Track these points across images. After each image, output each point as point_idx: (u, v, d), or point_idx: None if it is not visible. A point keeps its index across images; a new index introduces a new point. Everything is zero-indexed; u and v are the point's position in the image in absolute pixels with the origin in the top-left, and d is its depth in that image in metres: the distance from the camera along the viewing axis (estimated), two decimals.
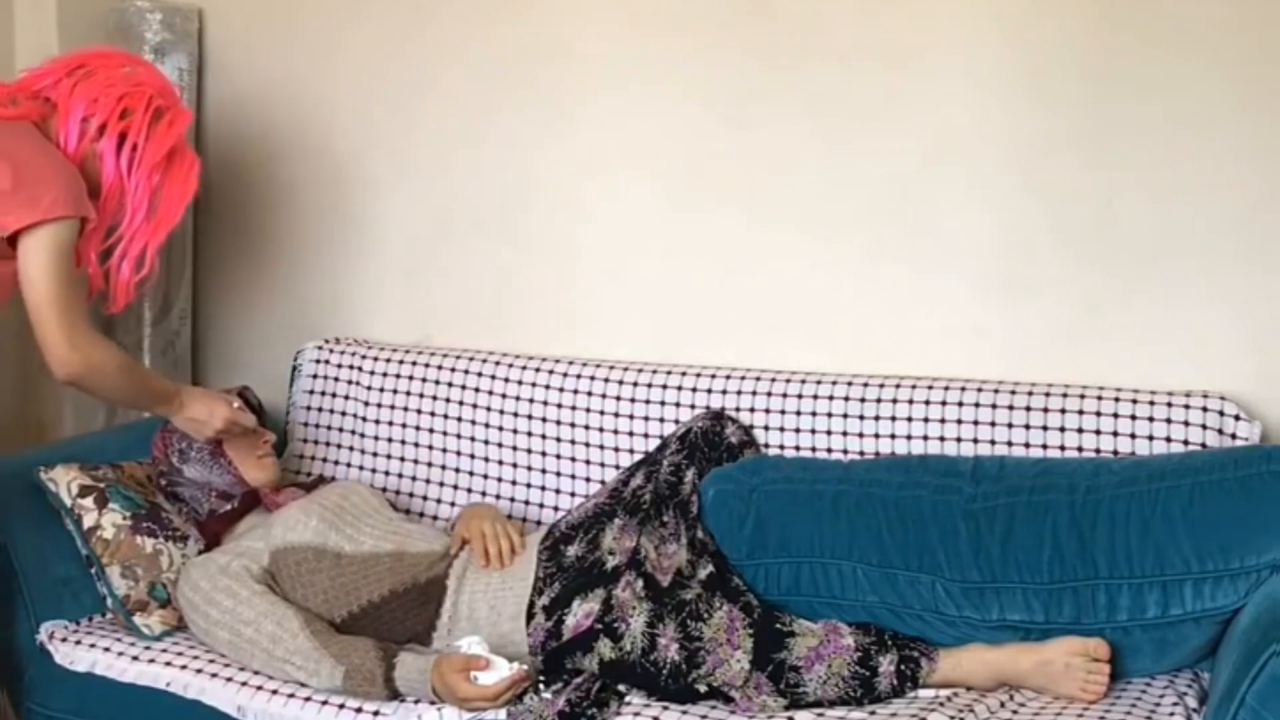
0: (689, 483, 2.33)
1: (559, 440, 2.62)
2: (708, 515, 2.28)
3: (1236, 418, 2.20)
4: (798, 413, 2.45)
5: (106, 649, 2.28)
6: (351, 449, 2.80)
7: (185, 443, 2.43)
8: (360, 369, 2.83)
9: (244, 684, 2.15)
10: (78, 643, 2.31)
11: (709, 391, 2.52)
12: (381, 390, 2.79)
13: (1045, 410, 2.29)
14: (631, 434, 2.55)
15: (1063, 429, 2.27)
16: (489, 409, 2.68)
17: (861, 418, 2.40)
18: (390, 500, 2.55)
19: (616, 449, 2.57)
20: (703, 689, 2.03)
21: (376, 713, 2.06)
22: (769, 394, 2.48)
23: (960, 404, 2.34)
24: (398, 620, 2.22)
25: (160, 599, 2.34)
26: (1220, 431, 2.19)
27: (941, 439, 2.34)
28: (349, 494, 2.42)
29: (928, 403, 2.37)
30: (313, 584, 2.25)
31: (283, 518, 2.33)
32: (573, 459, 2.60)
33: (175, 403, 2.34)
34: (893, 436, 2.38)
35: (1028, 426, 2.29)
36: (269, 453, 2.47)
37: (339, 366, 2.85)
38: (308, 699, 2.10)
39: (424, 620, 2.22)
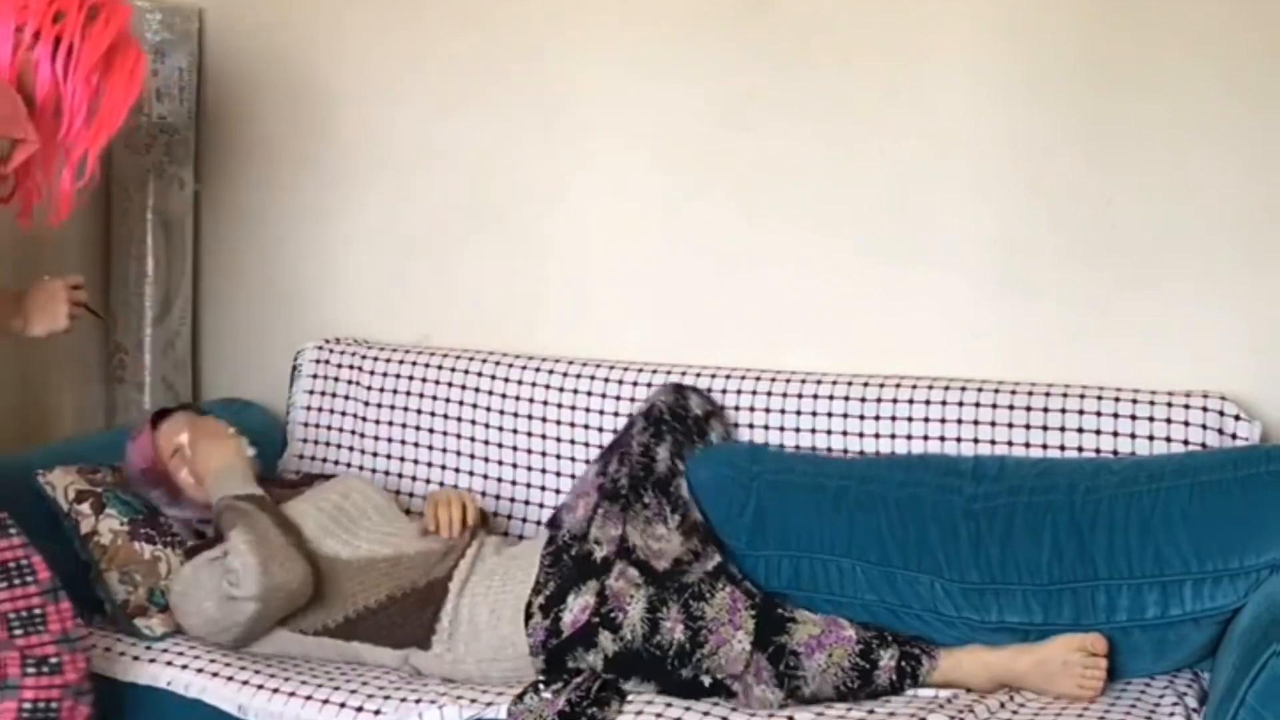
0: (663, 460, 2.32)
1: (559, 440, 2.62)
2: (704, 498, 2.27)
3: (1236, 418, 2.20)
4: (798, 413, 2.44)
5: (107, 649, 2.27)
6: (351, 449, 2.80)
7: (147, 492, 2.42)
8: (360, 369, 2.82)
9: (245, 683, 2.13)
10: None
11: (709, 391, 2.51)
12: (381, 390, 2.79)
13: (1045, 410, 2.29)
14: None
15: (1063, 429, 2.27)
16: (489, 409, 2.68)
17: (862, 418, 2.40)
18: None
19: None
20: (707, 681, 2.03)
21: (378, 712, 2.06)
22: (769, 394, 2.48)
23: (960, 404, 2.35)
24: (396, 625, 2.21)
25: (159, 604, 2.32)
26: (1220, 431, 2.20)
27: (942, 439, 2.34)
28: (349, 493, 2.42)
29: (928, 403, 2.37)
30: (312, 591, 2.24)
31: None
32: (573, 459, 2.60)
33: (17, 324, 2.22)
34: (893, 436, 2.38)
35: (1028, 426, 2.29)
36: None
37: (339, 366, 2.85)
38: (308, 698, 2.09)
39: (423, 623, 2.21)
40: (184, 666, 2.20)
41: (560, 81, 2.72)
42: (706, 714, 1.99)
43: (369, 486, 2.48)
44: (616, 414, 2.56)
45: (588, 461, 2.58)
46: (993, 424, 2.32)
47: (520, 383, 2.66)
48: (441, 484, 2.70)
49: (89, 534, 2.35)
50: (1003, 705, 1.98)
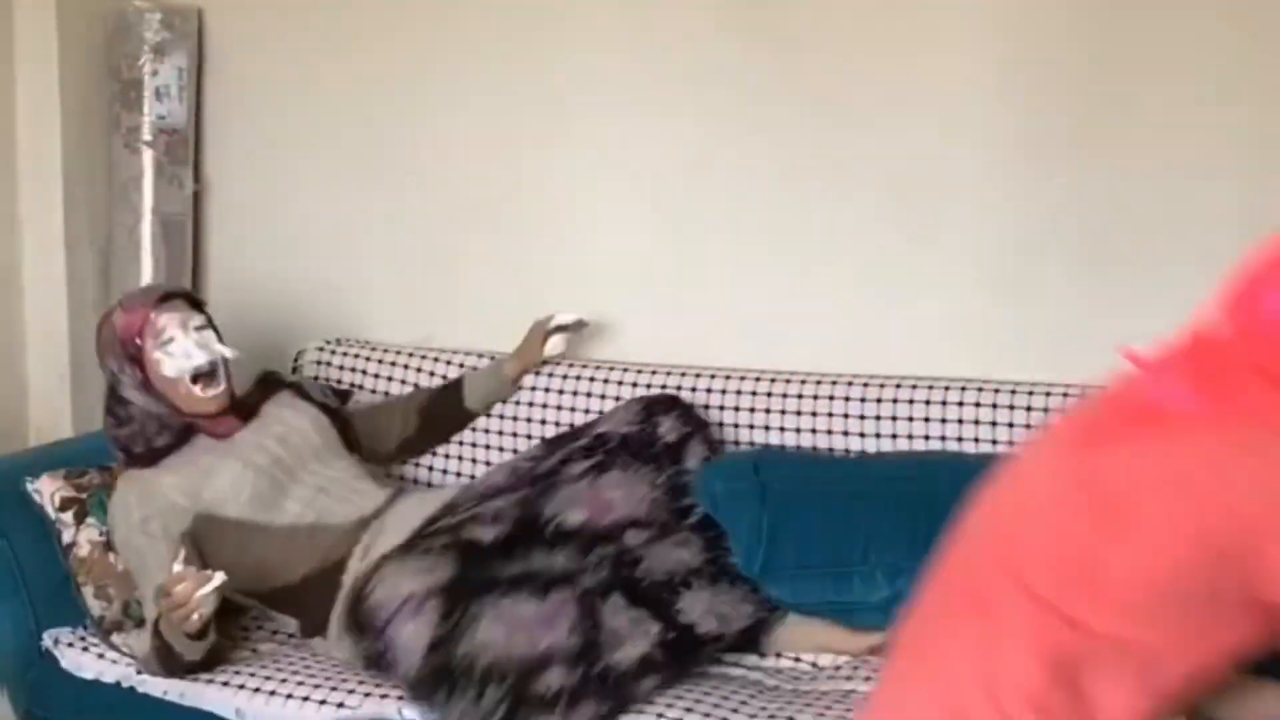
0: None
1: None
2: (720, 515, 2.23)
3: None
4: (798, 413, 2.44)
5: (114, 661, 2.26)
6: None
7: (117, 364, 2.30)
8: (362, 370, 2.82)
9: (240, 687, 2.12)
10: (85, 650, 2.30)
11: (708, 391, 2.51)
12: (387, 393, 2.77)
13: (1046, 410, 2.28)
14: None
15: None
16: (488, 409, 2.68)
17: (862, 418, 2.40)
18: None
19: None
20: None
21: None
22: (769, 394, 2.47)
23: (960, 404, 2.34)
24: (308, 605, 2.21)
25: (136, 618, 2.30)
26: None
27: (943, 439, 2.34)
28: (289, 436, 2.36)
29: (928, 403, 2.36)
30: (237, 560, 2.21)
31: (214, 484, 2.26)
32: None
33: None
34: (894, 436, 2.38)
35: (1028, 427, 2.28)
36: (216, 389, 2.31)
37: (339, 367, 2.84)
38: (305, 699, 2.08)
39: (325, 608, 2.18)
40: (182, 676, 2.18)
41: (564, 85, 2.72)
42: (708, 716, 1.99)
43: (310, 424, 2.42)
44: None
45: None
46: (993, 424, 2.31)
47: (520, 384, 2.66)
48: (443, 486, 2.70)
49: (69, 545, 2.34)
50: None
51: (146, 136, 2.92)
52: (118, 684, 2.23)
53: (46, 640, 2.33)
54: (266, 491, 2.28)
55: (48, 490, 2.38)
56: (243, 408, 2.39)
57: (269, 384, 2.51)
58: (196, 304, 2.36)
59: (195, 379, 2.28)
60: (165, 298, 2.30)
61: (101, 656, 2.28)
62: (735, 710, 2.00)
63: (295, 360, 2.90)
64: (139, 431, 2.32)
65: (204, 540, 2.23)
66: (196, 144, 3.03)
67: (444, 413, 2.63)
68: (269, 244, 3.07)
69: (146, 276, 2.96)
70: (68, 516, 2.36)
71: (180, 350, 2.27)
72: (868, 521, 2.18)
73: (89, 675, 2.27)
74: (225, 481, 2.27)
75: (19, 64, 2.95)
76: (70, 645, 2.31)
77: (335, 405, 2.56)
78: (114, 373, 2.32)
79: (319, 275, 3.02)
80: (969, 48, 2.39)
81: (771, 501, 2.23)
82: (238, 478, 2.28)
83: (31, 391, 3.04)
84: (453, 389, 2.64)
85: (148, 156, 2.93)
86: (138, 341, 2.27)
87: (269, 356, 3.01)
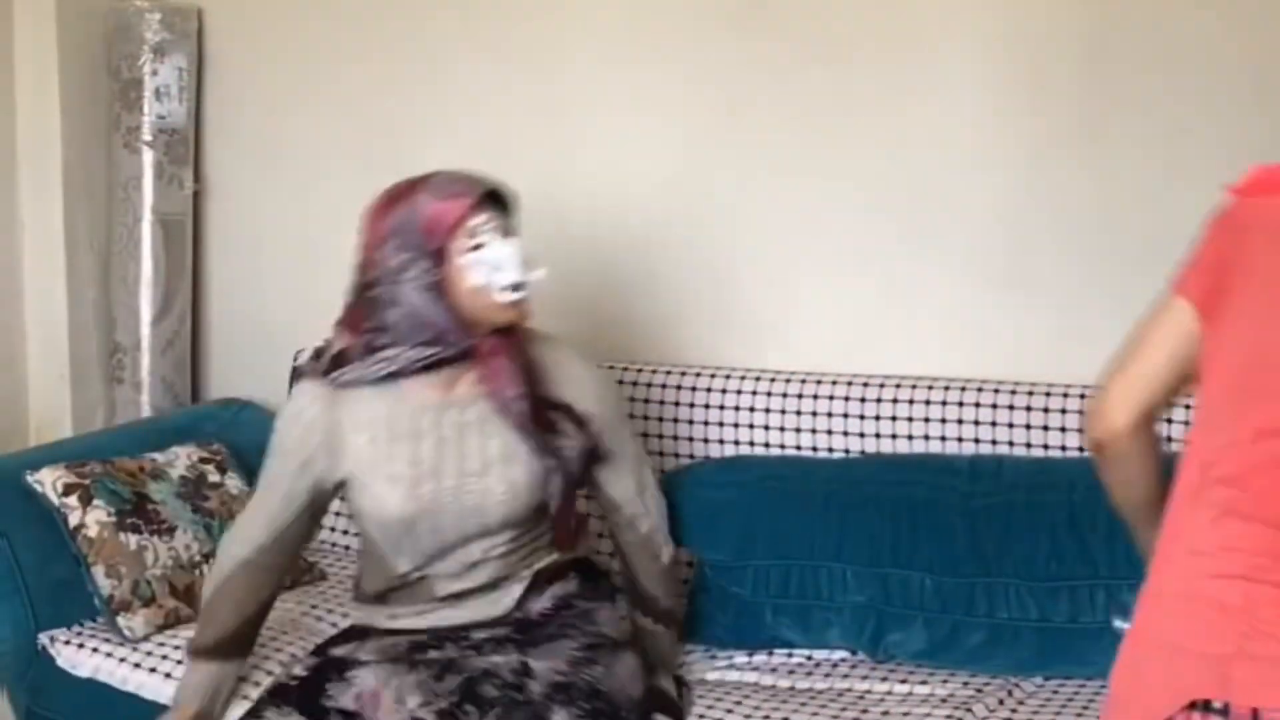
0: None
1: None
2: (684, 515, 2.24)
3: None
4: (797, 412, 2.44)
5: (108, 654, 2.26)
6: None
7: (408, 256, 1.93)
8: None
9: (244, 696, 2.08)
10: (80, 647, 2.30)
11: (708, 390, 2.51)
12: None
13: (1045, 410, 2.28)
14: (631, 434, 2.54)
15: (1063, 429, 2.26)
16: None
17: (861, 417, 2.39)
18: None
19: None
20: None
21: None
22: (768, 394, 2.47)
23: (960, 404, 2.34)
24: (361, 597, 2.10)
25: (144, 597, 2.31)
26: None
27: (942, 439, 2.34)
28: (485, 500, 1.96)
29: (928, 403, 2.36)
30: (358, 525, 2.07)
31: (372, 493, 1.95)
32: None
33: None
34: (893, 436, 2.37)
35: (1028, 426, 2.28)
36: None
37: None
38: None
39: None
40: (167, 675, 2.19)
41: (565, 83, 2.72)
42: (702, 717, 1.99)
43: (525, 484, 1.98)
44: None
45: None
46: (992, 424, 2.31)
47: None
48: None
49: (77, 527, 2.34)
50: (1001, 703, 1.98)
51: (146, 136, 2.92)
52: (117, 686, 2.23)
53: (43, 639, 2.33)
54: (399, 542, 1.98)
55: (49, 479, 2.37)
56: (519, 366, 2.00)
57: (550, 379, 2.06)
58: (509, 210, 2.01)
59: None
60: (485, 197, 1.95)
61: (95, 651, 2.28)
62: (730, 710, 2.01)
63: (294, 360, 2.89)
64: (400, 336, 1.93)
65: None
66: (196, 144, 3.04)
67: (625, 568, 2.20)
68: (269, 244, 3.07)
69: (146, 276, 2.97)
70: (73, 500, 2.35)
71: (493, 259, 1.92)
72: (846, 521, 2.18)
73: (84, 673, 2.27)
74: (373, 505, 1.97)
75: (19, 64, 2.96)
76: (67, 643, 2.31)
77: (588, 446, 2.06)
78: (397, 266, 1.94)
79: (318, 275, 3.01)
80: (970, 48, 2.39)
81: (744, 496, 2.26)
82: (389, 515, 1.96)
83: (31, 391, 3.04)
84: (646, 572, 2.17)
85: (148, 156, 2.94)
86: (446, 237, 1.92)
87: (268, 356, 3.03)
